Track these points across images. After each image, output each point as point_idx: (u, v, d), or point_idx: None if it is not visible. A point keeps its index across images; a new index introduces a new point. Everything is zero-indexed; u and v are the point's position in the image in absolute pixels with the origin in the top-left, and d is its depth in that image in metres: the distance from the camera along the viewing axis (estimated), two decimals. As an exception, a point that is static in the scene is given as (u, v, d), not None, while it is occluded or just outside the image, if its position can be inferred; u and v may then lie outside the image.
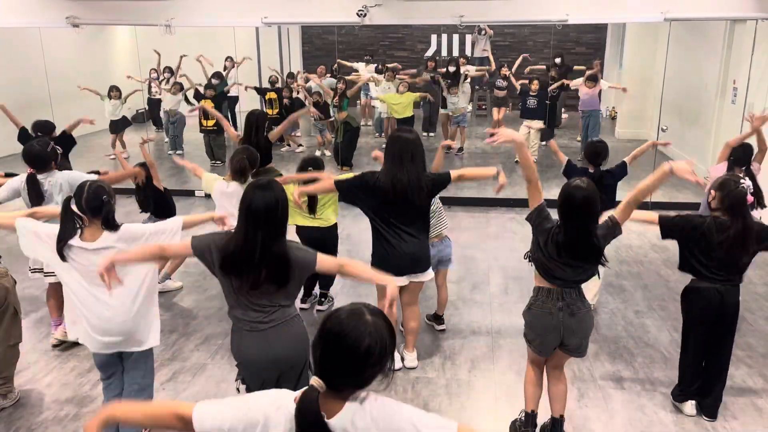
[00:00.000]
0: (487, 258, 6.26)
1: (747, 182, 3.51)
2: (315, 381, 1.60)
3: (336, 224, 4.98)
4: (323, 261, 2.75)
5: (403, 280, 3.92)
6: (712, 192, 3.54)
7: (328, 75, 11.20)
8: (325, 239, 4.82)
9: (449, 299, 5.27)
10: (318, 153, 10.25)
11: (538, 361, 3.43)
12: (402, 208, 3.78)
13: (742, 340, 4.65)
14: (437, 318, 4.84)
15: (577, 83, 10.13)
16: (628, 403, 3.89)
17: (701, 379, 3.74)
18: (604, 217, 3.14)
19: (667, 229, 3.60)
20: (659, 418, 3.73)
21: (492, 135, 3.01)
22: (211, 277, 5.75)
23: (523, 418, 3.54)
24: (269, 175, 4.97)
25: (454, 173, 3.82)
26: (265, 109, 10.08)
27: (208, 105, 9.18)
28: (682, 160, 3.19)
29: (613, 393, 4.00)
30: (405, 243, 3.83)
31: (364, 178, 3.81)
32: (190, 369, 4.29)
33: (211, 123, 9.60)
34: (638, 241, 6.81)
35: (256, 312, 2.74)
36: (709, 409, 3.72)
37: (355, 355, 1.57)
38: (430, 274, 4.09)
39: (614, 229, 3.13)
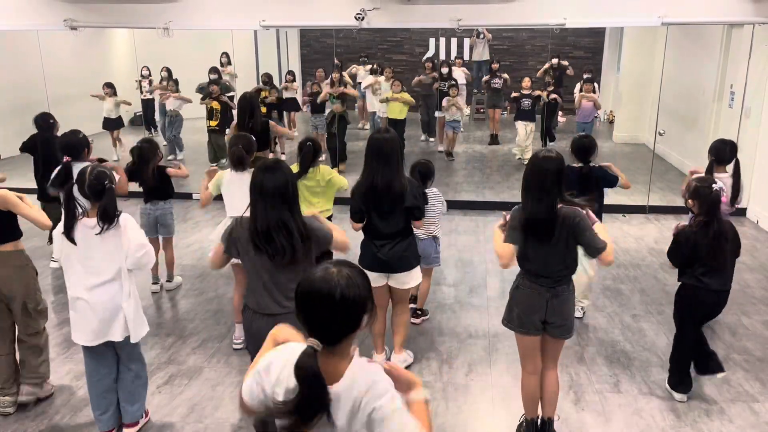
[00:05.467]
0: (485, 261, 6.26)
1: (719, 184, 3.68)
2: (311, 341, 1.65)
3: (331, 216, 4.96)
4: (336, 238, 2.96)
5: (381, 278, 3.98)
6: (690, 201, 3.74)
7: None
8: None
9: (446, 303, 5.29)
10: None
11: (531, 363, 3.39)
12: (378, 208, 3.86)
13: (740, 344, 4.66)
14: (415, 312, 4.93)
15: (576, 98, 10.06)
16: (625, 407, 3.88)
17: (688, 374, 3.93)
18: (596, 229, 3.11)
19: (680, 258, 3.77)
20: (656, 422, 3.73)
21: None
22: (207, 280, 5.81)
23: (524, 426, 3.52)
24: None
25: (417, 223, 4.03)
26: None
27: (215, 104, 9.23)
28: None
29: (609, 397, 3.99)
30: (382, 242, 3.91)
31: (354, 189, 3.93)
32: (187, 372, 4.28)
33: (214, 123, 9.48)
34: (635, 244, 6.81)
35: (273, 295, 2.89)
36: (713, 366, 3.90)
37: (333, 305, 1.63)
38: (411, 279, 4.05)
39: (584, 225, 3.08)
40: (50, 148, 5.62)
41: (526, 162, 10.02)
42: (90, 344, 3.34)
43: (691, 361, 3.93)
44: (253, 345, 3.03)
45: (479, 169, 9.99)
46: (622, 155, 10.74)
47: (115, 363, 3.49)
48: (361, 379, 1.68)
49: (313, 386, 1.62)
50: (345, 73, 10.68)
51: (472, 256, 6.37)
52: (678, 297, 3.90)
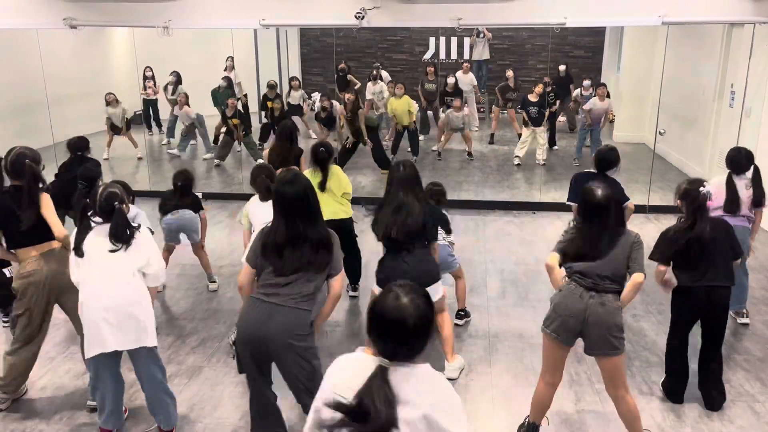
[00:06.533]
0: (484, 261, 6.25)
1: (708, 187, 3.75)
2: (381, 360, 1.82)
3: (352, 218, 5.07)
4: (335, 282, 3.08)
5: None
6: (679, 202, 3.83)
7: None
8: (347, 229, 4.98)
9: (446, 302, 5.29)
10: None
11: (551, 374, 3.37)
12: (399, 229, 3.86)
13: (740, 344, 4.65)
14: (457, 313, 4.97)
15: (592, 102, 9.90)
16: (625, 407, 3.88)
17: (686, 375, 3.92)
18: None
19: (665, 258, 3.83)
20: (656, 422, 3.72)
21: None
22: (206, 279, 5.79)
23: (526, 426, 3.53)
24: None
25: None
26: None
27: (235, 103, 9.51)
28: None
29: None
30: (403, 261, 3.89)
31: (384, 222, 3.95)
32: (186, 372, 4.28)
33: (237, 121, 9.61)
34: (636, 244, 6.80)
35: (283, 291, 2.96)
36: (712, 401, 3.87)
37: (404, 333, 1.81)
38: (438, 290, 4.06)
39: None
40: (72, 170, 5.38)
41: (518, 163, 10.00)
42: (105, 351, 3.30)
43: (680, 367, 3.91)
44: (240, 327, 3.04)
45: (479, 169, 9.98)
46: (622, 155, 10.59)
47: (118, 370, 3.46)
48: (442, 398, 1.87)
49: (381, 406, 1.73)
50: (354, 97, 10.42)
51: (472, 256, 6.37)
52: (672, 297, 3.96)
